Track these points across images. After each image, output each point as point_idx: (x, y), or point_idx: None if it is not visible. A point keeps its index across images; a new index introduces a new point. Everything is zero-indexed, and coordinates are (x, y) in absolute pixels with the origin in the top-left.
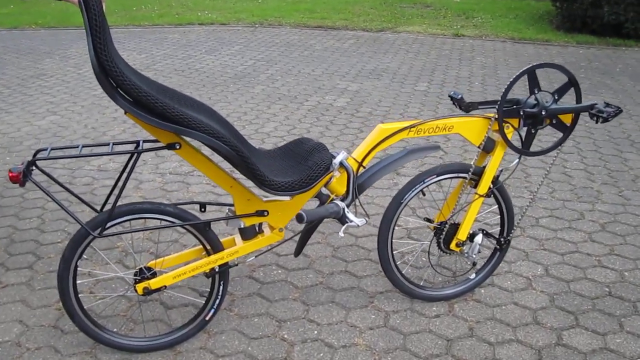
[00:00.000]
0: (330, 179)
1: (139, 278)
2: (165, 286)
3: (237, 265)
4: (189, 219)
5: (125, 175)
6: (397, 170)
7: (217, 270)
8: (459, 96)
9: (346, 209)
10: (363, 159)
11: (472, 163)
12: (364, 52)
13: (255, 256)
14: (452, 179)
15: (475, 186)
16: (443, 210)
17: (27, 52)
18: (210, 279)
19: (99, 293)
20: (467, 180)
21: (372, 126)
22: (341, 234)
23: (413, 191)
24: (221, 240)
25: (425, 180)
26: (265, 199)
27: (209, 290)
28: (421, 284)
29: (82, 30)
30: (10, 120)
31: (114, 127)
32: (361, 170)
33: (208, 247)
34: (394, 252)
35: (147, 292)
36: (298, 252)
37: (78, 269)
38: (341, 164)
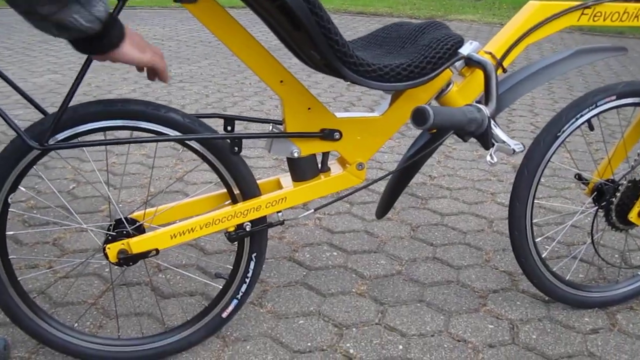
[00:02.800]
0: (448, 86)
1: (113, 234)
2: (157, 251)
3: (282, 223)
4: (200, 132)
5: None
6: (553, 79)
7: (248, 229)
8: None
9: (492, 121)
10: (504, 56)
11: None
12: None
13: (315, 209)
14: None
15: None
16: (613, 160)
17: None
18: (237, 247)
19: (56, 261)
20: None
21: None
22: (492, 158)
23: (577, 119)
24: (259, 182)
25: (599, 103)
26: (339, 115)
27: (231, 268)
28: (568, 278)
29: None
30: None
31: (123, 87)
32: (499, 74)
33: (235, 190)
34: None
35: (125, 259)
36: (383, 210)
37: (10, 209)
38: (470, 61)
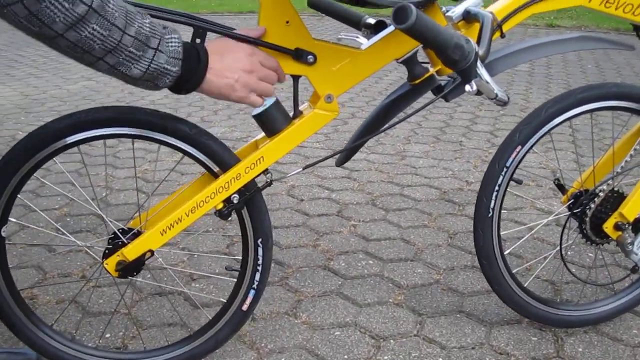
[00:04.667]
0: None
1: (110, 248)
2: (152, 252)
3: (270, 184)
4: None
5: None
6: (552, 55)
7: (236, 201)
8: None
9: (479, 61)
10: (505, 19)
11: None
12: None
13: (304, 168)
14: (619, 110)
15: None
16: (598, 168)
17: None
18: (242, 238)
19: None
20: None
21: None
22: (470, 87)
23: (497, 192)
24: (236, 151)
25: (507, 164)
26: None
27: (241, 259)
28: (555, 298)
29: None
30: (37, 84)
31: (155, 92)
32: (496, 37)
33: (214, 167)
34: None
35: (124, 268)
36: (344, 158)
37: (6, 242)
38: (468, 15)
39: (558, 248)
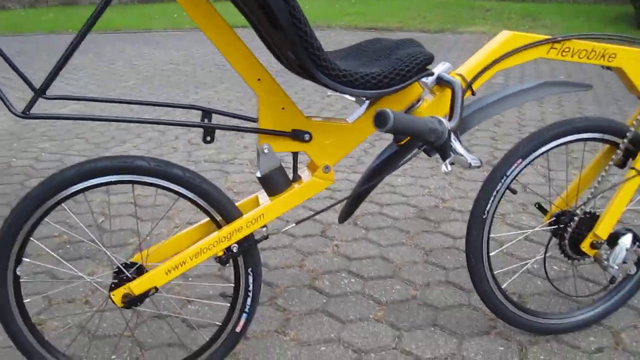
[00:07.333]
0: (419, 101)
1: (116, 282)
2: (157, 288)
3: (266, 238)
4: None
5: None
6: (519, 105)
7: (235, 250)
8: None
9: (452, 134)
10: (474, 79)
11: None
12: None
13: (297, 222)
14: (595, 141)
15: (624, 162)
16: (570, 192)
17: (60, 51)
18: (233, 268)
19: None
20: (619, 150)
21: None
22: (446, 167)
23: (494, 197)
24: (237, 204)
25: (508, 172)
26: (313, 118)
27: (233, 286)
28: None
29: (121, 33)
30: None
31: (151, 112)
32: (468, 96)
33: (217, 216)
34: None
35: (130, 301)
36: (345, 215)
37: (21, 280)
38: (441, 80)
39: (529, 262)
